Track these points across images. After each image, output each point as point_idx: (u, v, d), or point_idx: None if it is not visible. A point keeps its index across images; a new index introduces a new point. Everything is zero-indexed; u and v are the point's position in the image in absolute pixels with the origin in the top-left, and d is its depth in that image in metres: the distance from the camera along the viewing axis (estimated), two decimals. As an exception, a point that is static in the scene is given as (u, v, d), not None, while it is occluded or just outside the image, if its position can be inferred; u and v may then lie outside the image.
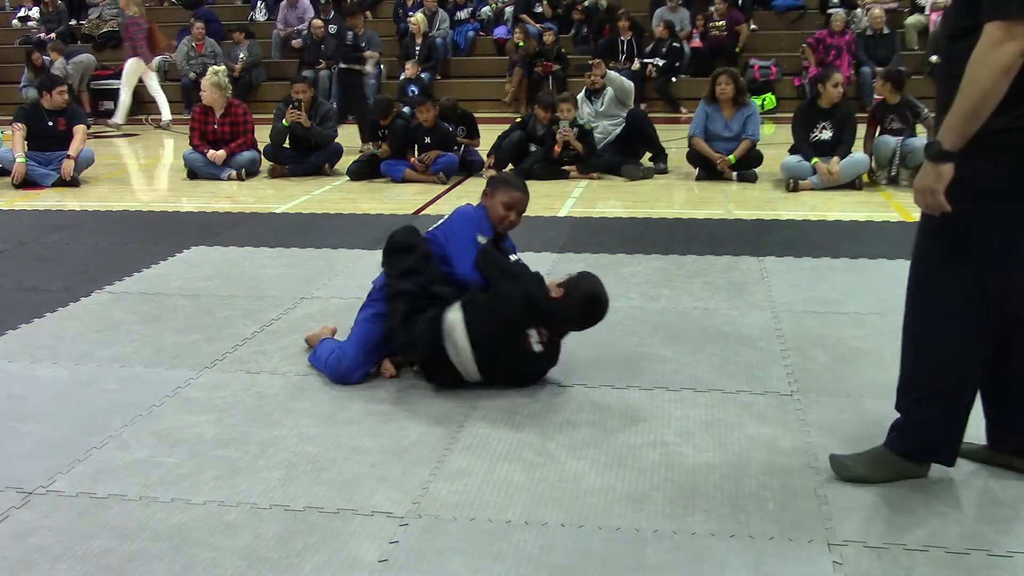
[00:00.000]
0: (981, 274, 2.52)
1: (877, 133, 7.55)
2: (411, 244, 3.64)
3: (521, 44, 12.74)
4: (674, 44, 12.63)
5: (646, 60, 12.60)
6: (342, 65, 10.20)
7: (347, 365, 3.58)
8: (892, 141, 7.41)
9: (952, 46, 2.45)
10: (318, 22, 13.52)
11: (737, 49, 12.81)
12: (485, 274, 3.57)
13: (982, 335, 2.58)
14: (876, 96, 8.05)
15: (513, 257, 3.76)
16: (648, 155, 8.47)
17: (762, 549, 2.46)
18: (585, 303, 3.49)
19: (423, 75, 12.53)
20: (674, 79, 12.61)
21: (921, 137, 7.43)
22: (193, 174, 8.39)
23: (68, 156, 8.06)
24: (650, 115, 9.43)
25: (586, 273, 3.60)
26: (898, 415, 2.76)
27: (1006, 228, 2.47)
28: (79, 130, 8.23)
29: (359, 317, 3.73)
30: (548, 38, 12.63)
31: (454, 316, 3.43)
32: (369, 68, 10.61)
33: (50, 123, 8.18)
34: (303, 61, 13.34)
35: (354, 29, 10.38)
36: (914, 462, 2.75)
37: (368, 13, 14.65)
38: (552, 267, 5.18)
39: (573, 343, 3.97)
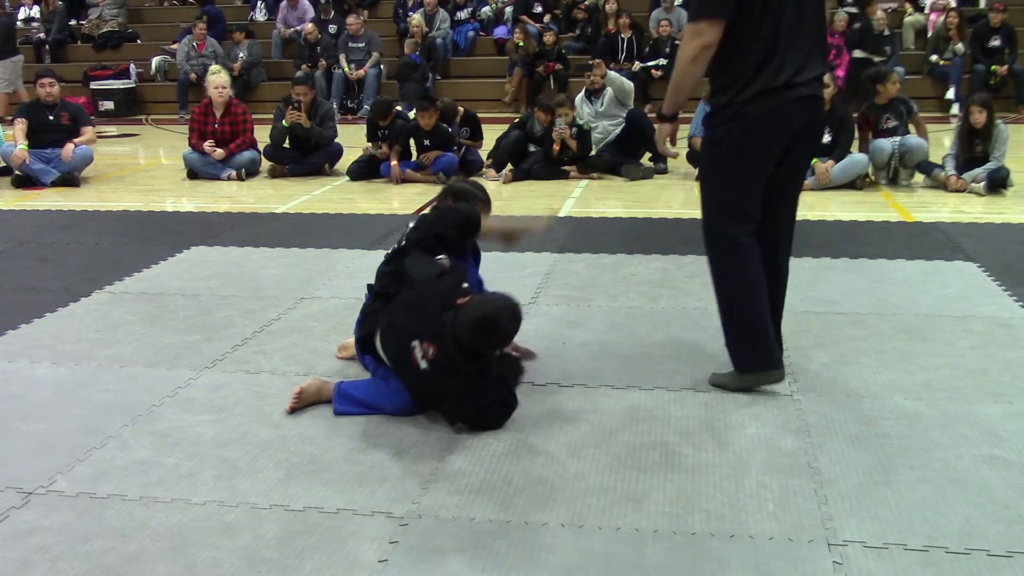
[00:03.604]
0: (732, 202, 3.28)
1: (871, 136, 7.55)
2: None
3: (521, 44, 12.73)
4: (676, 42, 12.63)
5: (648, 64, 12.56)
6: (857, 53, 10.36)
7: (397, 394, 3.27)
8: (887, 145, 7.41)
9: None
10: (310, 26, 13.54)
11: None
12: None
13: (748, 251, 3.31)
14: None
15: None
16: (648, 155, 8.47)
17: (762, 549, 2.46)
18: (478, 320, 3.06)
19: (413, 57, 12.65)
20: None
21: (914, 136, 7.45)
22: (193, 174, 8.39)
23: (70, 141, 8.13)
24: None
25: (504, 295, 3.25)
26: None
27: (738, 175, 3.23)
28: (87, 130, 8.38)
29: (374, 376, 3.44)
30: (548, 38, 12.63)
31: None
32: (877, 60, 10.91)
33: (51, 117, 8.21)
34: (305, 61, 13.37)
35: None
36: (751, 373, 3.39)
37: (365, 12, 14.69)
38: (552, 267, 5.18)
39: (573, 343, 3.98)
